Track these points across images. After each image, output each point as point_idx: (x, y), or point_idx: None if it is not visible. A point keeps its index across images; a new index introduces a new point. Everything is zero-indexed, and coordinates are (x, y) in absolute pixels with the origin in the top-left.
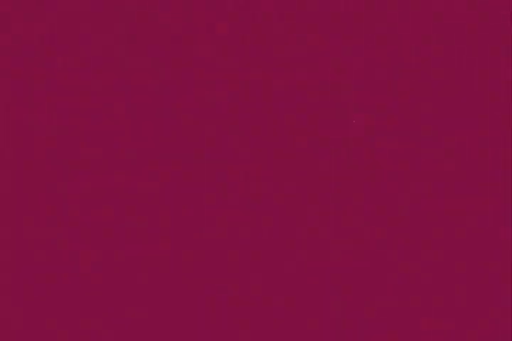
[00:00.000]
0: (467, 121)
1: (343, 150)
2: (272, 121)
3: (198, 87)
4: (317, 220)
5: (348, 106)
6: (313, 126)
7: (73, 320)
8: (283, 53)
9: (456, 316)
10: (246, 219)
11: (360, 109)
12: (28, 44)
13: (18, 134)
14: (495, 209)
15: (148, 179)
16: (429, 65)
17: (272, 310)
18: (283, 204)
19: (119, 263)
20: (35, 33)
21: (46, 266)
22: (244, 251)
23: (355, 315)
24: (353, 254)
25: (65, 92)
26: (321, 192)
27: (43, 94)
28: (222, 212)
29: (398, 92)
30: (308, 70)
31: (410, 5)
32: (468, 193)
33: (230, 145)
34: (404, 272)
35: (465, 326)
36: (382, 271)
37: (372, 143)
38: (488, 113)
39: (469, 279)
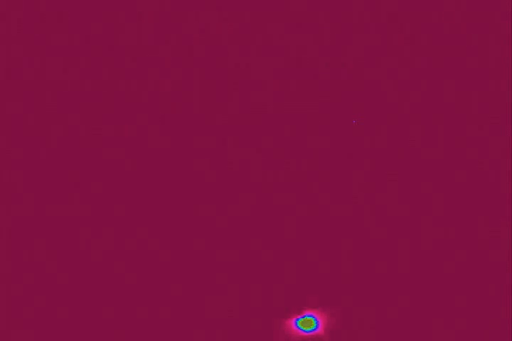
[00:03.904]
0: (467, 120)
1: (342, 151)
2: (272, 122)
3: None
4: (316, 219)
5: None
6: (312, 126)
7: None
8: (283, 53)
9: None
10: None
11: (360, 110)
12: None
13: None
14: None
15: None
16: (429, 66)
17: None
18: (282, 203)
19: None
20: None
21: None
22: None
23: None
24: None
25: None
26: (320, 191)
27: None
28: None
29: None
30: (307, 70)
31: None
32: (467, 193)
33: (229, 145)
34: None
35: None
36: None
37: (372, 143)
38: (488, 113)
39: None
